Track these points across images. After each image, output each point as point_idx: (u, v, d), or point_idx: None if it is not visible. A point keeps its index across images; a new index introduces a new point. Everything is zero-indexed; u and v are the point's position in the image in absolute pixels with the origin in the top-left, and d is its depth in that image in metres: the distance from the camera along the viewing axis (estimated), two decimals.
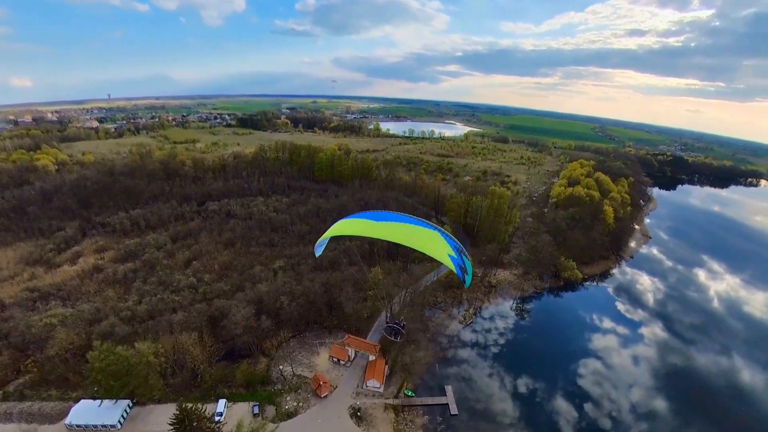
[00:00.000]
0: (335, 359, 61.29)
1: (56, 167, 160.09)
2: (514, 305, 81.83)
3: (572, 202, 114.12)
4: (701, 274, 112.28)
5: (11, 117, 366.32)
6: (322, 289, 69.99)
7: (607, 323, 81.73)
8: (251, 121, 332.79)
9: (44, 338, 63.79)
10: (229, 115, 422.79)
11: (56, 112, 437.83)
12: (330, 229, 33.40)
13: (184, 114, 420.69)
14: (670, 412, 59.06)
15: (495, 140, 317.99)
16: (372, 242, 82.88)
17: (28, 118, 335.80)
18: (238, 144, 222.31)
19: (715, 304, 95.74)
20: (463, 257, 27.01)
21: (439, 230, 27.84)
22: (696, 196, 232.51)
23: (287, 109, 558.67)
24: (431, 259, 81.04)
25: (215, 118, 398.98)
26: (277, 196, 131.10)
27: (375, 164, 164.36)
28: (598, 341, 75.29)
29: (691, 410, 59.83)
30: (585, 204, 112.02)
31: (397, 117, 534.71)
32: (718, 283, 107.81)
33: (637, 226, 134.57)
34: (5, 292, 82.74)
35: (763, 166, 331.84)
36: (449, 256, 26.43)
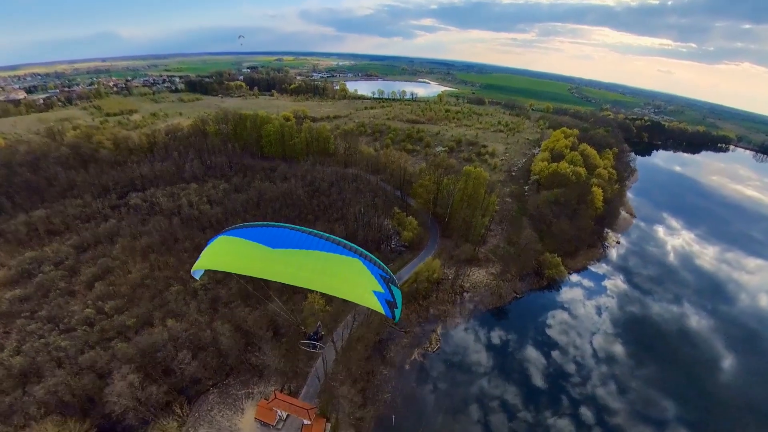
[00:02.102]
0: (262, 422, 47.92)
1: None
2: (490, 316, 69.42)
3: (556, 182, 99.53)
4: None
5: None
6: (238, 335, 54.63)
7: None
8: (200, 85, 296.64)
9: None
10: (180, 77, 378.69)
11: None
12: (203, 254, 20.00)
13: (129, 78, 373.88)
14: (627, 355, 65.61)
15: (470, 102, 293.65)
16: None
17: None
18: (180, 113, 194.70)
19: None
20: (391, 288, 19.66)
21: (361, 256, 18.81)
22: (676, 162, 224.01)
23: (248, 68, 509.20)
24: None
25: (164, 81, 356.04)
26: (214, 181, 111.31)
27: (333, 135, 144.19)
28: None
29: (645, 352, 66.62)
30: (571, 184, 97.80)
31: (368, 75, 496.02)
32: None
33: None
34: None
35: (730, 131, 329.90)
36: (375, 293, 18.53)
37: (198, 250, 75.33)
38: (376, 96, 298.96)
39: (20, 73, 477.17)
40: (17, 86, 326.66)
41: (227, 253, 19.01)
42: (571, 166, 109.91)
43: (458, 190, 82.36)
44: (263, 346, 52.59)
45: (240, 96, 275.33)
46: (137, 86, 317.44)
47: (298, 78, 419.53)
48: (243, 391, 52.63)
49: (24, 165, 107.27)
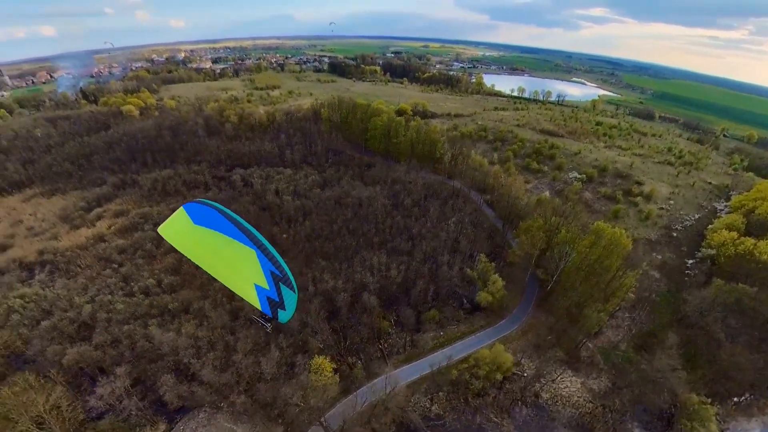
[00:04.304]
0: None
1: (139, 112, 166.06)
2: None
3: (747, 272, 60.24)
4: None
5: (154, 56, 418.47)
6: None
7: None
8: (340, 67, 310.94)
9: None
10: (328, 58, 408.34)
11: (190, 51, 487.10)
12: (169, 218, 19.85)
13: (288, 56, 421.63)
14: None
15: (634, 114, 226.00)
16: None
17: (159, 57, 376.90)
18: (311, 94, 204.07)
19: None
20: (280, 287, 18.40)
21: (257, 248, 18.07)
22: None
23: (392, 53, 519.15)
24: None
25: (313, 61, 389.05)
26: (309, 170, 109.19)
27: (444, 138, 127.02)
28: None
29: None
30: None
31: (514, 69, 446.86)
32: None
33: None
34: (15, 253, 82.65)
35: None
36: (256, 287, 17.94)
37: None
38: (514, 94, 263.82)
39: (217, 46, 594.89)
40: (209, 57, 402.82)
41: (173, 223, 19.17)
42: None
43: (578, 253, 57.69)
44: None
45: (371, 81, 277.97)
46: (291, 64, 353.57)
47: (438, 66, 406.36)
48: (230, 425, 44.86)
49: (168, 129, 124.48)
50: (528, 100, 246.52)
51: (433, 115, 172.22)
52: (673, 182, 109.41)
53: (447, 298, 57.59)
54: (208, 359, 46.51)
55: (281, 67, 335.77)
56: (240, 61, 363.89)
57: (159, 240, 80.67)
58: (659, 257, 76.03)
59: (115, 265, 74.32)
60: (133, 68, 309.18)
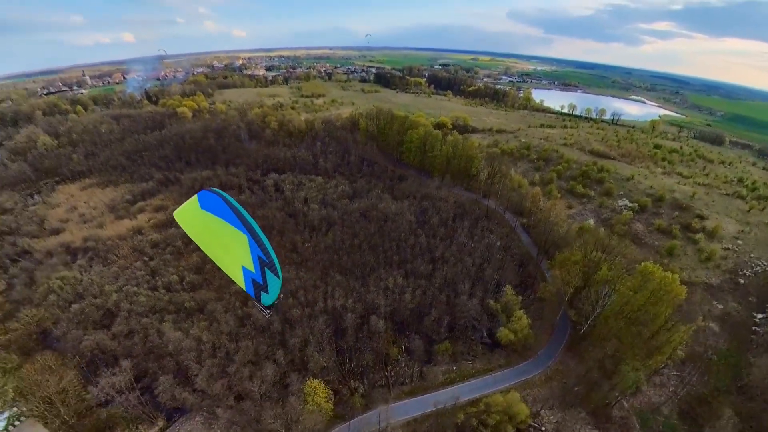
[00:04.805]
0: None
1: (192, 114, 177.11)
2: None
3: None
4: None
5: (215, 62, 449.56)
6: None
7: None
8: (384, 78, 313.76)
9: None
10: (375, 69, 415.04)
11: (247, 58, 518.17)
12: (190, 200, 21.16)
13: (336, 66, 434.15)
14: None
15: (700, 138, 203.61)
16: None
17: (219, 64, 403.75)
18: (353, 103, 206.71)
19: None
20: (265, 272, 20.53)
21: (249, 234, 20.09)
22: None
23: (440, 65, 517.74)
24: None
25: (361, 71, 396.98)
26: (340, 179, 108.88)
27: (482, 154, 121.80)
28: None
29: None
30: None
31: (566, 85, 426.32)
32: None
33: None
34: (65, 237, 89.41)
35: None
36: (244, 269, 20.11)
37: (283, 253, 71.77)
38: (564, 111, 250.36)
39: (273, 54, 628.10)
40: (263, 64, 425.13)
41: (185, 207, 20.74)
42: None
43: (620, 296, 50.60)
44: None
45: (414, 93, 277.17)
46: (338, 73, 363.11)
47: (485, 79, 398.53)
48: None
49: (213, 132, 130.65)
50: (578, 117, 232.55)
51: (474, 130, 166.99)
52: (743, 219, 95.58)
53: (464, 330, 52.93)
54: (206, 366, 45.86)
55: (329, 76, 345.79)
56: (291, 70, 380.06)
57: (188, 238, 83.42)
58: (720, 307, 65.55)
59: (146, 258, 77.67)
60: (195, 73, 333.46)
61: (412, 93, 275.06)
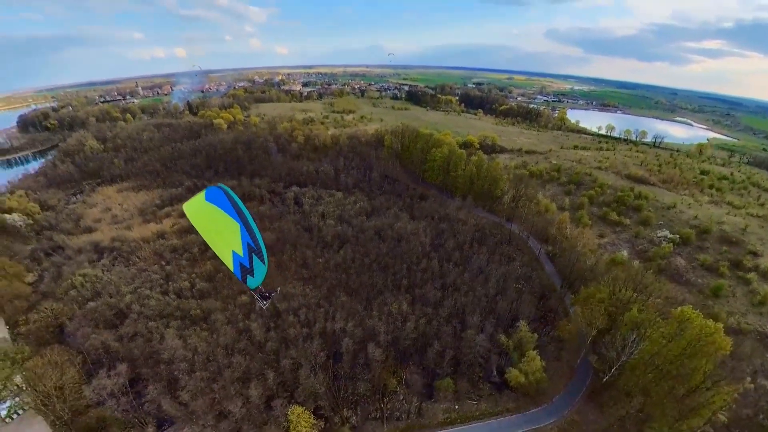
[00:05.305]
0: None
1: (227, 126, 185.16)
2: None
3: None
4: None
5: (256, 77, 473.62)
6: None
7: None
8: (415, 96, 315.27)
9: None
10: (408, 87, 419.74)
11: (287, 74, 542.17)
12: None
13: (371, 83, 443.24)
14: None
15: (755, 163, 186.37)
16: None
17: (259, 79, 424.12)
18: (381, 120, 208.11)
19: None
20: (252, 257, 23.35)
21: (242, 224, 22.91)
22: None
23: (474, 84, 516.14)
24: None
25: (394, 88, 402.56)
26: (359, 195, 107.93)
27: (508, 176, 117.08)
28: None
29: None
30: None
31: (605, 105, 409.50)
32: None
33: None
34: (95, 236, 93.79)
35: None
36: (233, 254, 22.90)
37: (293, 267, 70.84)
38: (601, 132, 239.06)
39: (311, 71, 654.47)
40: (301, 80, 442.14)
41: (194, 200, 23.40)
42: None
43: (651, 343, 44.49)
44: None
45: (444, 111, 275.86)
46: (371, 90, 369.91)
47: (519, 99, 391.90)
48: None
49: (243, 143, 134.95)
50: (616, 139, 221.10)
51: (502, 150, 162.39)
52: None
53: (471, 366, 48.65)
54: (195, 378, 44.76)
55: (362, 92, 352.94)
56: (326, 86, 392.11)
57: (204, 245, 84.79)
58: None
59: (163, 263, 79.27)
60: (236, 87, 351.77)
61: (442, 111, 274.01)
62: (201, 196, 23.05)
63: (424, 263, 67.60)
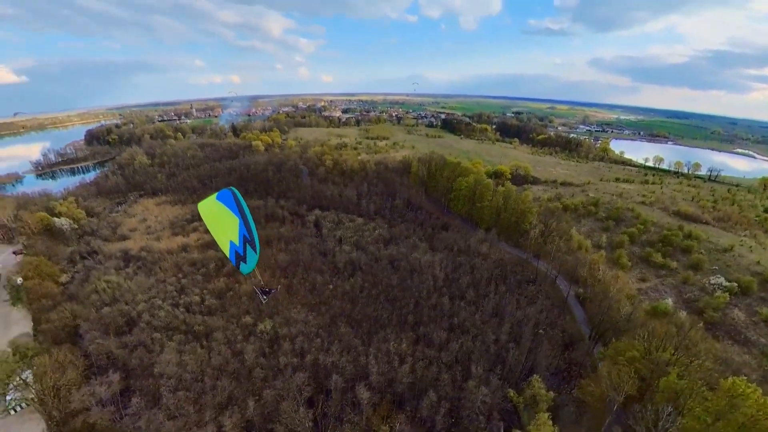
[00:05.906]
0: None
1: (264, 148, 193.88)
2: None
3: None
4: None
5: (300, 103, 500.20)
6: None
7: None
8: (450, 124, 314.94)
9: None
10: (445, 115, 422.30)
11: (329, 101, 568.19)
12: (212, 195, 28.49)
13: (408, 111, 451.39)
14: None
15: None
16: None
17: (303, 104, 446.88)
18: (413, 147, 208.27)
19: None
20: (247, 247, 27.52)
21: (240, 216, 27.15)
22: None
23: (513, 113, 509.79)
24: None
25: (430, 116, 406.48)
26: (379, 222, 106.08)
27: (538, 209, 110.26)
28: None
29: None
30: None
31: (654, 136, 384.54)
32: None
33: None
34: (127, 245, 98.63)
35: None
36: (230, 243, 27.09)
37: (301, 292, 69.46)
38: (648, 164, 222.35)
39: (353, 98, 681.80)
40: (342, 107, 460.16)
41: (207, 200, 27.46)
42: None
43: (692, 419, 36.86)
44: None
45: (479, 139, 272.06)
46: (408, 118, 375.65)
47: (559, 128, 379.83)
48: None
49: (274, 165, 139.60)
50: (665, 171, 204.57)
51: (535, 181, 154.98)
52: None
53: (473, 422, 43.07)
54: (177, 398, 43.24)
55: (399, 120, 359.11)
56: (365, 113, 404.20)
57: (221, 261, 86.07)
58: None
59: (181, 275, 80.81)
60: (281, 111, 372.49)
61: (476, 139, 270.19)
62: (213, 196, 27.15)
63: (435, 299, 63.21)
